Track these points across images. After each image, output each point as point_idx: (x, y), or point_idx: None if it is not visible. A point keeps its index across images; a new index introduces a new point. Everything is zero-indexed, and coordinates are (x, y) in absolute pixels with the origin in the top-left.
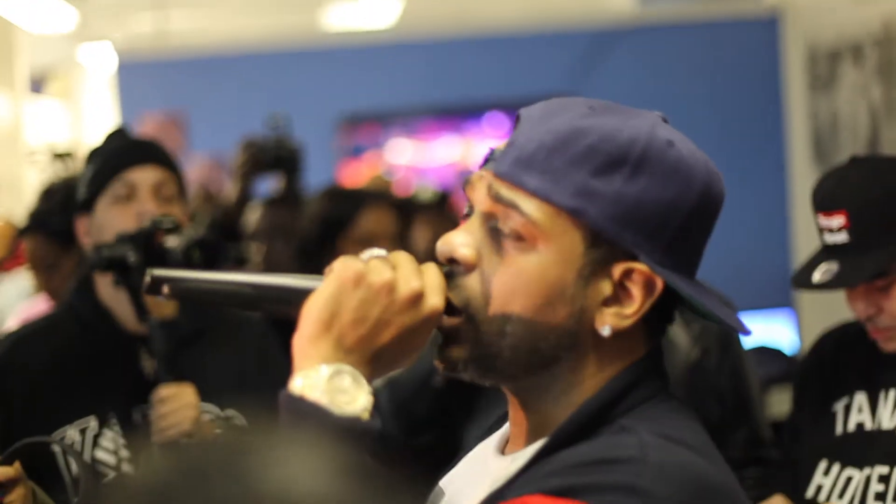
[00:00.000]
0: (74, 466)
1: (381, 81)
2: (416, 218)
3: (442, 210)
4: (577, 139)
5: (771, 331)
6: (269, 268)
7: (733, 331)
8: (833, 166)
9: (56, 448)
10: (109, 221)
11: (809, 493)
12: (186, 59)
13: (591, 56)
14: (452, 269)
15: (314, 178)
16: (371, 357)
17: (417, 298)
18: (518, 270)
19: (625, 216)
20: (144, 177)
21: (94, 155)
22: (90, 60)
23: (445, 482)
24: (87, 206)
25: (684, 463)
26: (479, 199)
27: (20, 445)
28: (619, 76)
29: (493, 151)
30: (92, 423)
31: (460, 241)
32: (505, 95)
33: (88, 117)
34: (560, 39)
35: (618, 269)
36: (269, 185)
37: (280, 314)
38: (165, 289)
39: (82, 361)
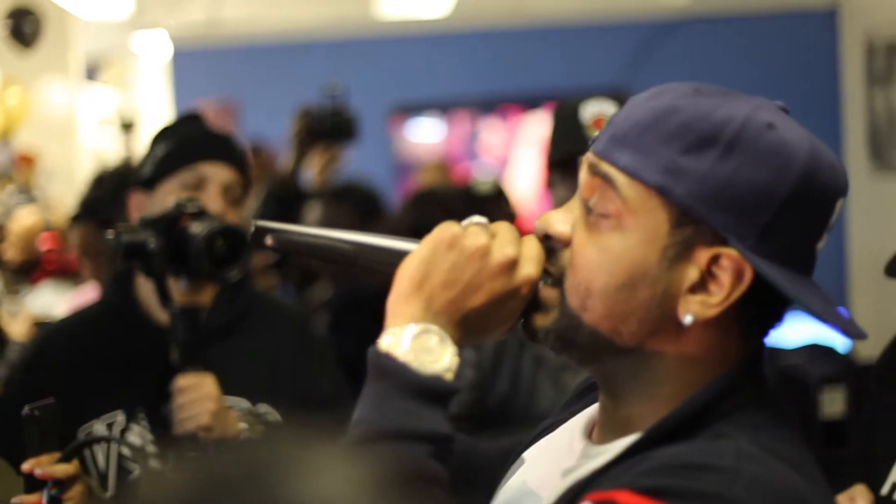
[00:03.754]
0: (101, 461)
1: (435, 71)
2: (474, 209)
3: (500, 201)
4: (670, 116)
5: (824, 330)
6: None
7: (838, 331)
8: None
9: (117, 445)
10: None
11: (884, 490)
12: (240, 47)
13: (645, 48)
14: (551, 244)
15: (368, 167)
16: (460, 320)
17: (511, 265)
18: (603, 247)
19: (714, 196)
20: (218, 173)
21: (167, 135)
22: (144, 48)
23: (529, 455)
24: (150, 184)
25: (778, 477)
26: (581, 177)
27: (80, 443)
28: (674, 69)
29: (595, 136)
30: (119, 417)
31: (557, 218)
32: (558, 87)
33: (142, 105)
34: (615, 31)
35: (704, 254)
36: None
37: (376, 273)
38: (269, 240)
39: (112, 355)
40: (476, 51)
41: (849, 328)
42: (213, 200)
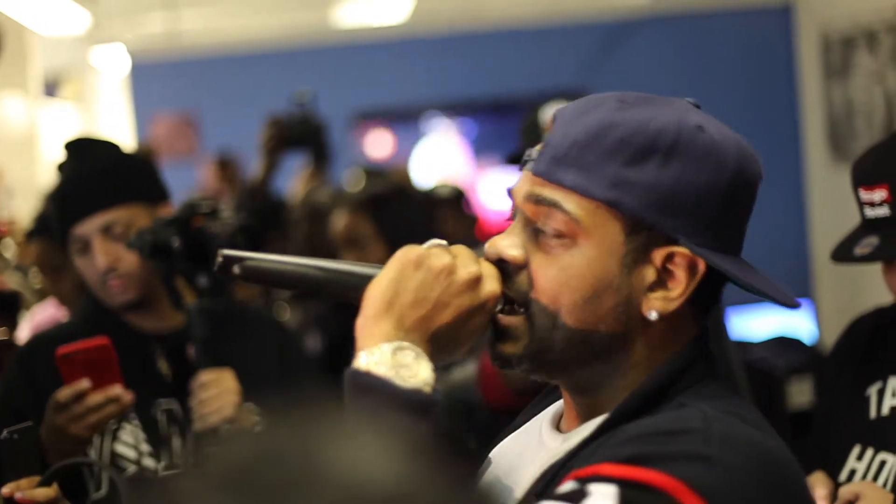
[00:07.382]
0: (94, 459)
1: (394, 78)
2: (435, 213)
3: (460, 205)
4: (608, 133)
5: (789, 321)
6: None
7: (784, 307)
8: (876, 142)
9: (95, 467)
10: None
11: (842, 477)
12: (198, 58)
13: (604, 49)
14: (504, 268)
15: (330, 174)
16: (430, 336)
17: (476, 282)
18: (563, 266)
19: (661, 202)
20: (91, 228)
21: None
22: (103, 62)
23: (496, 454)
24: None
25: (744, 433)
26: (521, 202)
27: (59, 467)
28: (633, 69)
29: (529, 154)
30: None
31: (506, 243)
32: (519, 90)
33: (102, 119)
34: (573, 33)
35: (659, 255)
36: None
37: (344, 298)
38: (236, 268)
39: None
40: (435, 56)
41: (786, 299)
42: (98, 253)
